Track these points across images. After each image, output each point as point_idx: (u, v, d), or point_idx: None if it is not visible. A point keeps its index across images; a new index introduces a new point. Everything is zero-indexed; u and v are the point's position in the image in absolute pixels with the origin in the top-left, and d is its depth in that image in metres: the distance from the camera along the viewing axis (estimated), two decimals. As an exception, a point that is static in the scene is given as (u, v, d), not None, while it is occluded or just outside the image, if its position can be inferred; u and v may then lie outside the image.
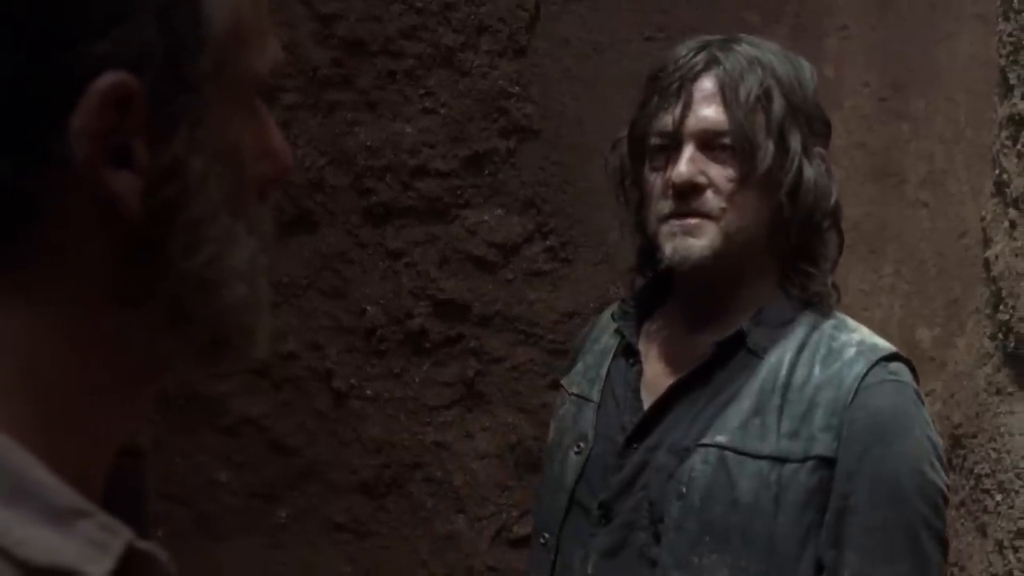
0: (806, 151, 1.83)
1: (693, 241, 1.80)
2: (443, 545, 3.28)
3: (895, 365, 1.82)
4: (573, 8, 3.24)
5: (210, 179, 0.72)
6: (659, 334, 1.93)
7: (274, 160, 0.78)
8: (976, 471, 2.37)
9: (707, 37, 1.88)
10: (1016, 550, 2.24)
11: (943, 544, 1.80)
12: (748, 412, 1.79)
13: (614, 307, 2.00)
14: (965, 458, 2.42)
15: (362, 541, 3.30)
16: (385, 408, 3.29)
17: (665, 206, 1.82)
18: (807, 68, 1.88)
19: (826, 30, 3.15)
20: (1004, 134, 2.33)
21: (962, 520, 2.42)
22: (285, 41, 3.03)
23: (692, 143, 1.81)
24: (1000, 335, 2.33)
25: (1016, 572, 2.23)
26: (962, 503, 2.42)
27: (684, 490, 1.78)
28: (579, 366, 2.00)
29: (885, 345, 1.85)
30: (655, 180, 1.84)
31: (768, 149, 1.80)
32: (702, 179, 1.80)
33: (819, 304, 1.87)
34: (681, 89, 1.82)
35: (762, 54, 1.84)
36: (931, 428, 1.82)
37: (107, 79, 0.67)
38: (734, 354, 1.83)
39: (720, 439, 1.78)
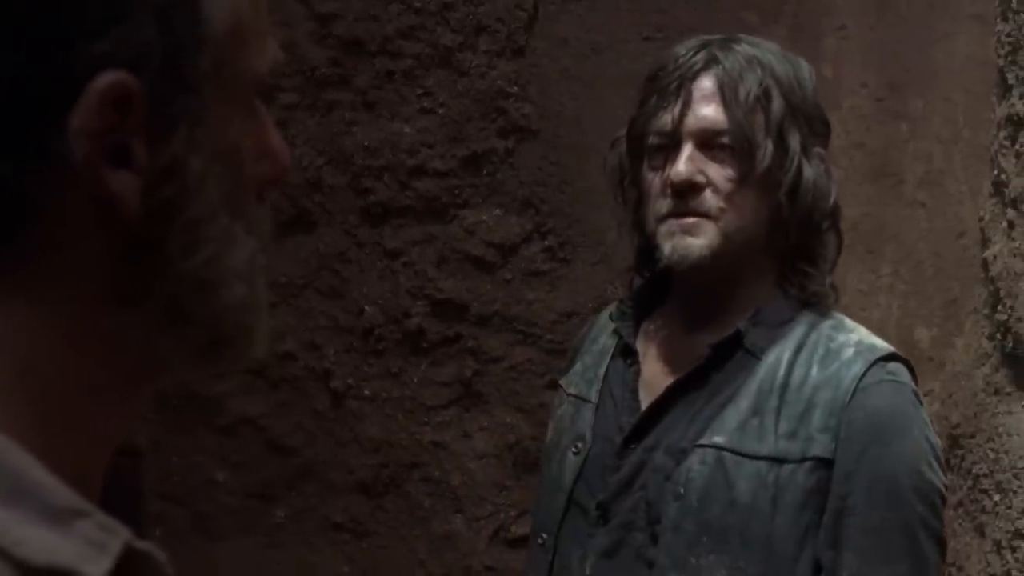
0: (805, 151, 1.83)
1: (692, 240, 1.80)
2: (441, 545, 3.28)
3: (893, 365, 1.82)
4: (571, 8, 3.24)
5: (209, 179, 0.72)
6: (657, 334, 1.93)
7: (273, 161, 0.78)
8: (974, 471, 2.37)
9: (706, 37, 1.88)
10: (1014, 550, 2.24)
11: (941, 544, 1.80)
12: (746, 413, 1.79)
13: (612, 307, 2.00)
14: (963, 458, 2.42)
15: (360, 541, 3.30)
16: (383, 408, 3.29)
17: (664, 205, 1.82)
18: (806, 68, 1.88)
19: (824, 30, 3.15)
20: (1002, 134, 2.33)
21: (960, 520, 2.42)
22: (283, 40, 3.03)
23: (691, 142, 1.81)
24: (998, 335, 2.33)
25: (1014, 572, 2.23)
26: (960, 503, 2.42)
27: (682, 491, 1.77)
28: (577, 366, 2.00)
29: (883, 345, 1.85)
30: (654, 179, 1.84)
31: (767, 149, 1.80)
32: (701, 178, 1.80)
33: (817, 304, 1.86)
34: (680, 88, 1.82)
35: (761, 54, 1.84)
36: (929, 428, 1.82)
37: (106, 78, 0.67)
38: (732, 354, 1.83)
39: (718, 440, 1.78)
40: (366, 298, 3.27)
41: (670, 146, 1.82)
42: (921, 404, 1.83)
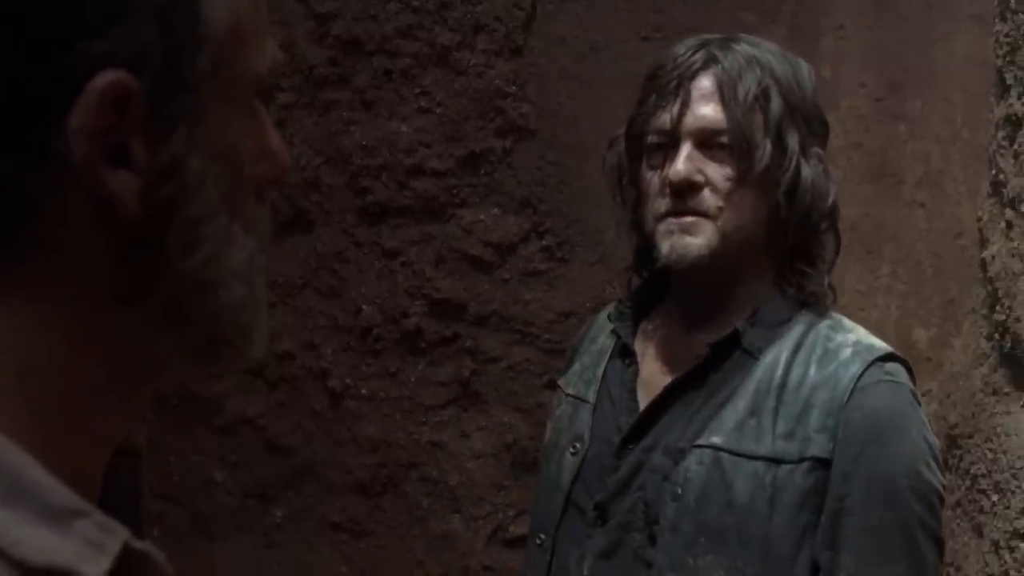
0: (804, 151, 1.83)
1: (690, 239, 1.80)
2: (439, 545, 3.28)
3: (891, 365, 1.81)
4: (569, 7, 3.24)
5: (208, 179, 0.72)
6: (656, 334, 1.93)
7: (272, 161, 0.78)
8: (972, 471, 2.37)
9: (706, 36, 1.87)
10: (1012, 550, 2.24)
11: (939, 545, 1.80)
12: (744, 413, 1.79)
13: (611, 307, 2.00)
14: (961, 458, 2.42)
15: (358, 541, 3.30)
16: (381, 408, 3.29)
17: (662, 204, 1.82)
18: (805, 68, 1.88)
19: (823, 30, 3.15)
20: (1000, 134, 2.33)
21: (958, 520, 2.42)
22: (281, 40, 3.03)
23: (690, 141, 1.81)
24: (996, 335, 2.33)
25: (1012, 572, 2.23)
26: (958, 503, 2.42)
27: (679, 491, 1.77)
28: (576, 366, 2.00)
29: (881, 345, 1.85)
30: (652, 178, 1.84)
31: (766, 148, 1.80)
32: (699, 177, 1.80)
33: (815, 304, 1.86)
34: (679, 87, 1.82)
35: (760, 53, 1.84)
36: (927, 428, 1.82)
37: (105, 78, 0.67)
38: (730, 354, 1.83)
39: (715, 440, 1.78)
40: (364, 298, 3.27)
41: (669, 145, 1.82)
42: (919, 404, 1.83)
